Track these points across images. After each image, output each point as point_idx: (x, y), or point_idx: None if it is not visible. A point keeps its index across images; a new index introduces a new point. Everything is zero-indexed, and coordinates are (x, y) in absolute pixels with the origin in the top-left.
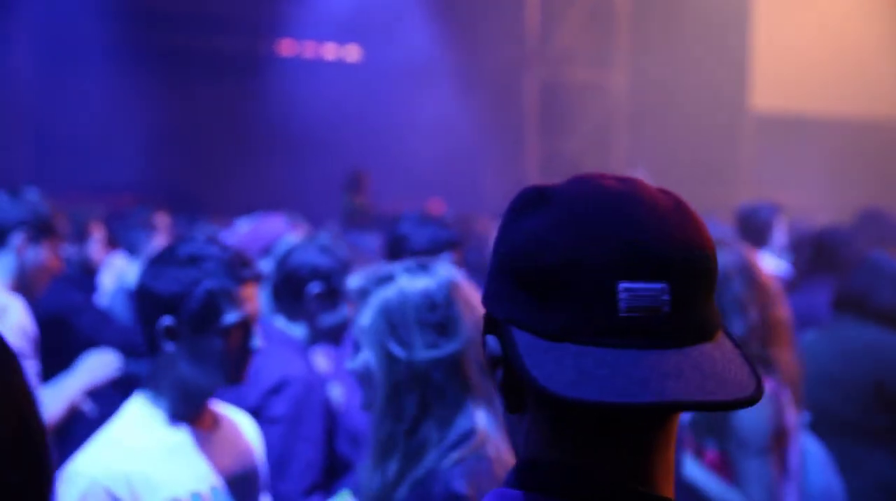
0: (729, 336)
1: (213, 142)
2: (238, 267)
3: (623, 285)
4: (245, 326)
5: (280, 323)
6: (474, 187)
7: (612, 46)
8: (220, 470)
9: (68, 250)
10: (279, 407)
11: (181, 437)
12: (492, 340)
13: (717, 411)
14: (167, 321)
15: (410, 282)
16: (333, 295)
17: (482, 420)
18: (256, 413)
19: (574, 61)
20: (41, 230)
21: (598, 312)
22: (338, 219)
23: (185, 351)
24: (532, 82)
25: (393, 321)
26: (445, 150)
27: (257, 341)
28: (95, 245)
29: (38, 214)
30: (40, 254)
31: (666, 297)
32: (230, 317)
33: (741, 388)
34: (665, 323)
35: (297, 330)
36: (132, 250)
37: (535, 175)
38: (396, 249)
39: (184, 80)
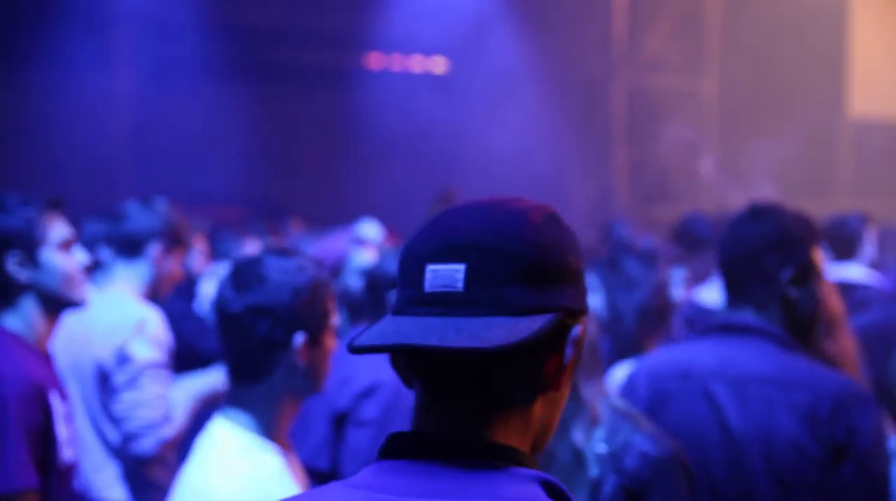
0: (553, 321)
1: (306, 154)
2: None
3: (429, 267)
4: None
5: None
6: (560, 196)
7: (701, 52)
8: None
9: None
10: (370, 410)
11: (279, 460)
12: None
13: (446, 356)
14: (301, 338)
15: None
16: None
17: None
18: (347, 415)
19: (662, 68)
20: (174, 240)
21: (413, 289)
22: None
23: (308, 363)
24: (619, 90)
25: None
26: (531, 159)
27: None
28: (198, 257)
29: (171, 224)
30: (171, 264)
31: (460, 276)
32: (336, 318)
33: (479, 341)
34: (459, 297)
35: None
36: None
37: (622, 183)
38: None
39: (276, 94)
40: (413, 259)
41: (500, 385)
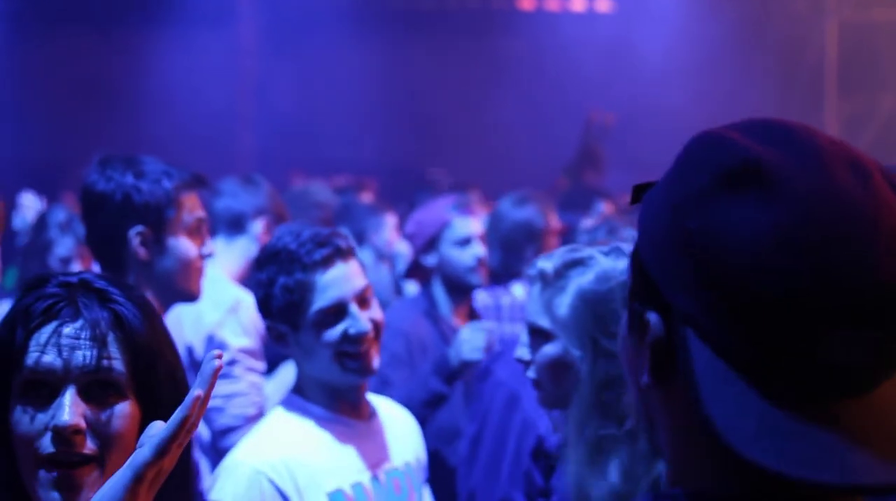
0: None
1: (448, 113)
2: None
3: (831, 331)
4: None
5: None
6: None
7: None
8: (380, 461)
9: None
10: None
11: (338, 429)
12: (654, 319)
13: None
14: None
15: (612, 266)
16: None
17: None
18: None
19: None
20: (278, 218)
21: (798, 354)
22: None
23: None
24: (831, 28)
25: (598, 311)
26: (721, 114)
27: None
28: None
29: (276, 202)
30: None
31: (871, 348)
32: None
33: None
34: (863, 373)
35: None
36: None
37: None
38: None
39: (414, 45)
40: (799, 309)
41: None
